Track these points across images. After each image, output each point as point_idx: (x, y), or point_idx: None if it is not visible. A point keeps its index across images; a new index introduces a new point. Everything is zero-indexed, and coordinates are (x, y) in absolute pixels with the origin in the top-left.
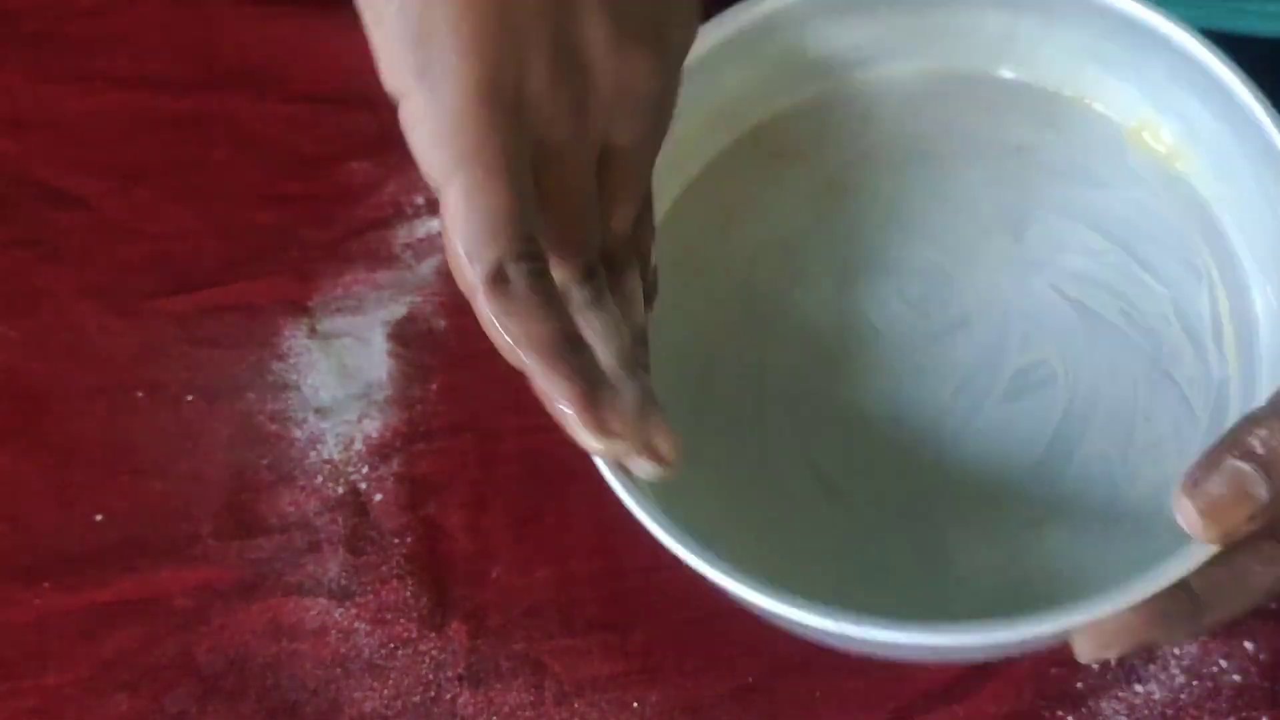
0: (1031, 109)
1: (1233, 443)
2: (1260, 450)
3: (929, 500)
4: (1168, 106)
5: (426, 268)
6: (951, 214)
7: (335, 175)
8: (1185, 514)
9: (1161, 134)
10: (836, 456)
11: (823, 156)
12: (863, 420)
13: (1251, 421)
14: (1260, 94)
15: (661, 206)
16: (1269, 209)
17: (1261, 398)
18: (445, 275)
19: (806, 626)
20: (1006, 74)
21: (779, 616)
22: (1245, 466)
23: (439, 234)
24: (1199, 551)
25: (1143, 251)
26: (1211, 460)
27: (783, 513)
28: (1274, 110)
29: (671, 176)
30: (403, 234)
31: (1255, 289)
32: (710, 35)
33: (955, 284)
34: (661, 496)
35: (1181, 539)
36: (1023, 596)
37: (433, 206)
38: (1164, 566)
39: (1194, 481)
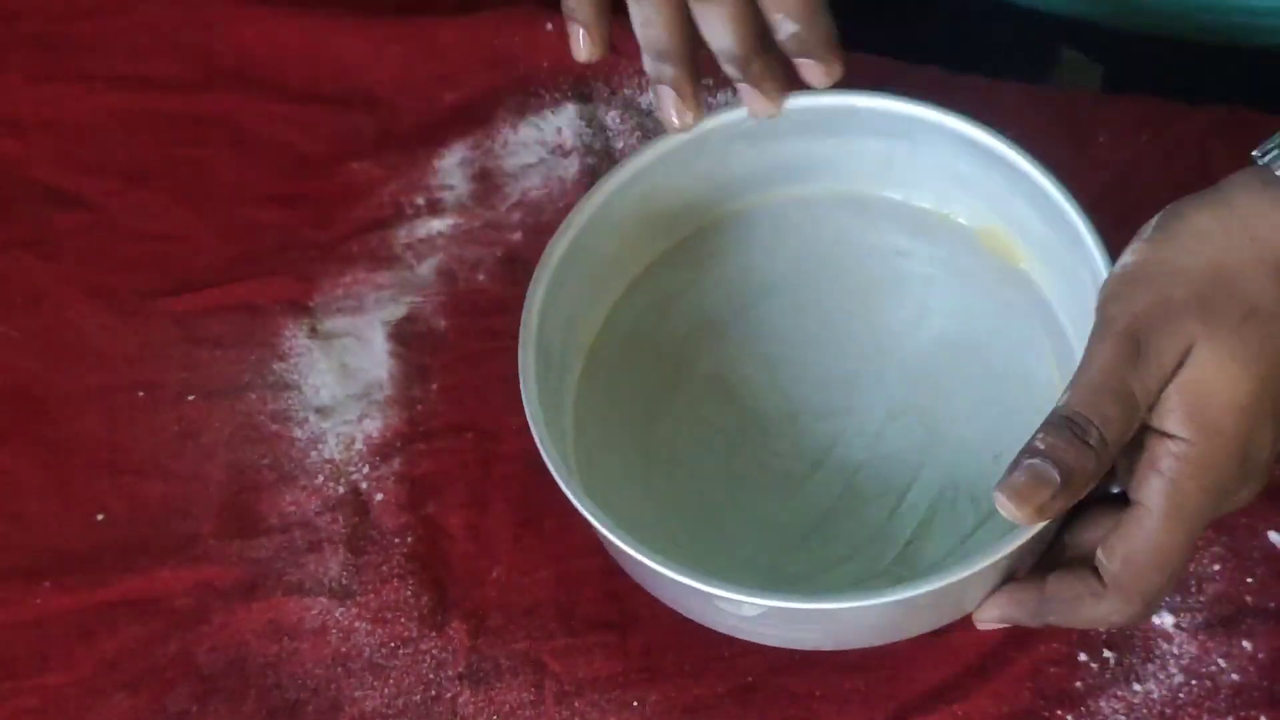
0: (906, 221)
1: (1024, 450)
2: (1042, 447)
3: (825, 519)
4: (1008, 214)
5: (427, 268)
6: (844, 302)
7: (335, 175)
8: (1001, 504)
9: (1005, 237)
10: (755, 492)
11: (743, 258)
12: (774, 462)
13: (1036, 432)
14: (1072, 198)
15: (610, 299)
16: (1088, 294)
17: None
18: (445, 275)
19: (702, 593)
20: (887, 193)
21: (677, 583)
22: (1036, 460)
23: (439, 234)
24: (1020, 534)
25: (991, 327)
26: (1013, 465)
27: (707, 538)
28: (1088, 216)
29: (618, 274)
30: (403, 234)
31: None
32: (650, 151)
33: (845, 352)
34: (608, 511)
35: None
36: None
37: (433, 207)
38: (995, 545)
39: (1003, 481)
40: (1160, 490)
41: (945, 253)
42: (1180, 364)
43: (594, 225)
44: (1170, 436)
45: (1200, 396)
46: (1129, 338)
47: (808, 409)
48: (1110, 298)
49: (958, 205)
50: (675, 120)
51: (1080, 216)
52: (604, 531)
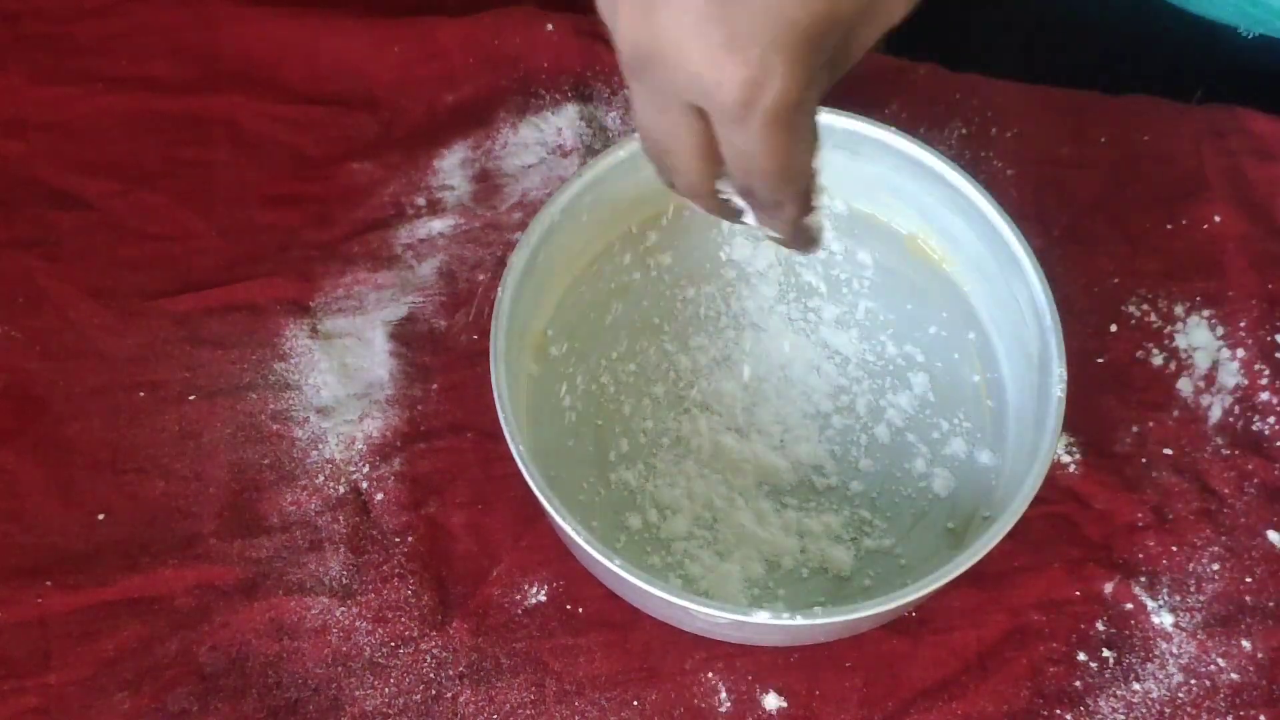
0: (841, 223)
1: None
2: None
3: (781, 516)
4: (937, 222)
5: (427, 268)
6: (778, 298)
7: (336, 176)
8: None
9: (932, 242)
10: (699, 478)
11: (680, 254)
12: (721, 451)
13: None
14: (1004, 212)
15: (558, 290)
16: (1010, 296)
17: (1009, 438)
18: (446, 275)
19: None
20: (825, 197)
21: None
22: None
23: (439, 234)
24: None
25: (918, 326)
26: None
27: (663, 524)
28: (1015, 226)
29: (566, 267)
30: (404, 234)
31: (1003, 360)
32: (608, 158)
33: (780, 348)
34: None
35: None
36: (837, 587)
37: (433, 207)
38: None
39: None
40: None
41: (877, 255)
42: None
43: (553, 231)
44: None
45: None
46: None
47: (754, 412)
48: None
49: (891, 212)
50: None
51: (1014, 231)
52: (588, 549)
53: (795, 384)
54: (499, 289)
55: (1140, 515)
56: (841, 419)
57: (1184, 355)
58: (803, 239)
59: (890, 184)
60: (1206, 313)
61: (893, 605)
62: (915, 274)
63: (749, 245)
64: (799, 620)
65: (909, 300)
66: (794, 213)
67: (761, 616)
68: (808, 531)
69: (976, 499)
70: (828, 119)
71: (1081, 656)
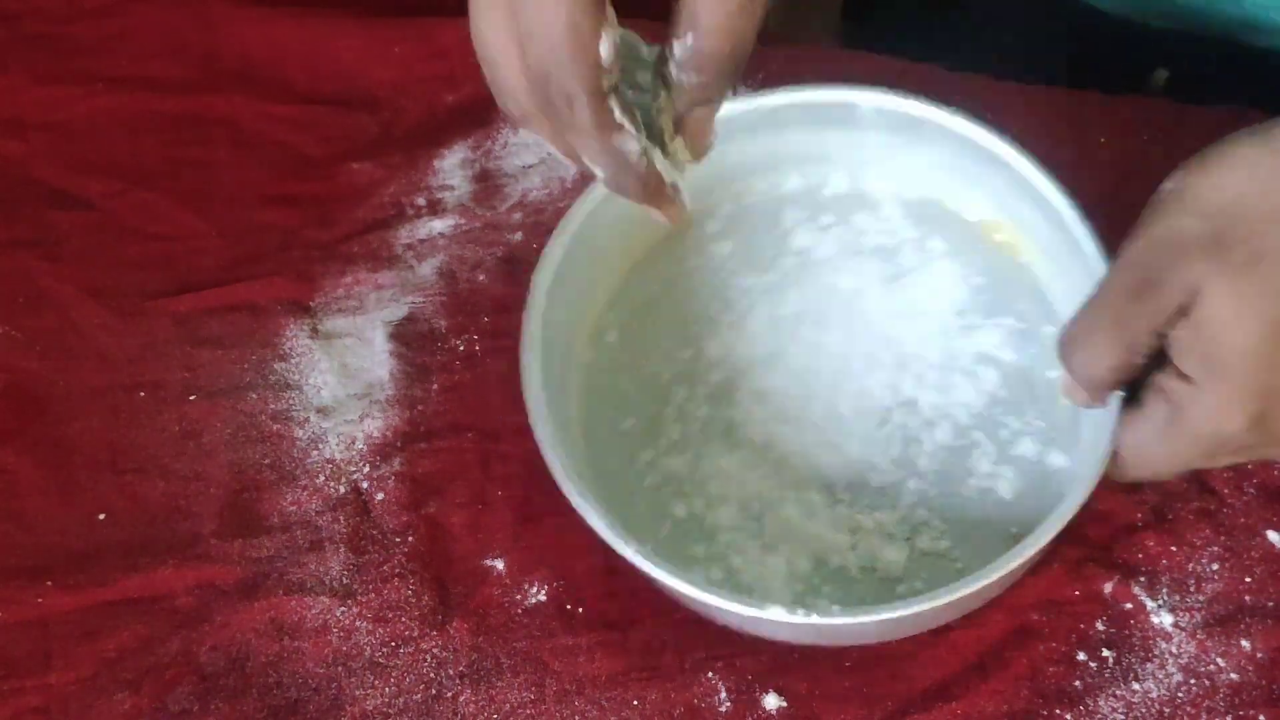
0: (909, 212)
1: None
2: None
3: (832, 514)
4: (1007, 209)
5: (428, 268)
6: (842, 292)
7: (337, 176)
8: (1066, 388)
9: (1005, 231)
10: (750, 469)
11: (740, 247)
12: (774, 443)
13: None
14: (1073, 201)
15: (613, 283)
16: (1088, 285)
17: (1083, 440)
18: (446, 275)
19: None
20: (890, 186)
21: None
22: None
23: (440, 234)
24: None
25: (993, 320)
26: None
27: (708, 514)
28: (1082, 213)
29: (621, 258)
30: (404, 234)
31: None
32: None
33: (844, 343)
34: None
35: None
36: (886, 588)
37: (433, 207)
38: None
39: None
40: (1164, 414)
41: (946, 245)
42: (1191, 302)
43: (592, 220)
44: (1183, 376)
45: (1210, 339)
46: (1136, 268)
47: (809, 404)
48: (1137, 224)
49: (960, 200)
50: (663, 220)
51: (1077, 220)
52: (611, 538)
53: (854, 377)
54: (528, 304)
55: (1140, 515)
56: (902, 414)
57: None
58: (621, 171)
59: (956, 170)
60: None
61: (939, 603)
62: (989, 264)
63: (810, 234)
64: (841, 619)
65: (982, 292)
66: (587, 113)
67: (775, 613)
68: (859, 528)
69: (1044, 504)
70: (886, 101)
71: (1081, 656)
